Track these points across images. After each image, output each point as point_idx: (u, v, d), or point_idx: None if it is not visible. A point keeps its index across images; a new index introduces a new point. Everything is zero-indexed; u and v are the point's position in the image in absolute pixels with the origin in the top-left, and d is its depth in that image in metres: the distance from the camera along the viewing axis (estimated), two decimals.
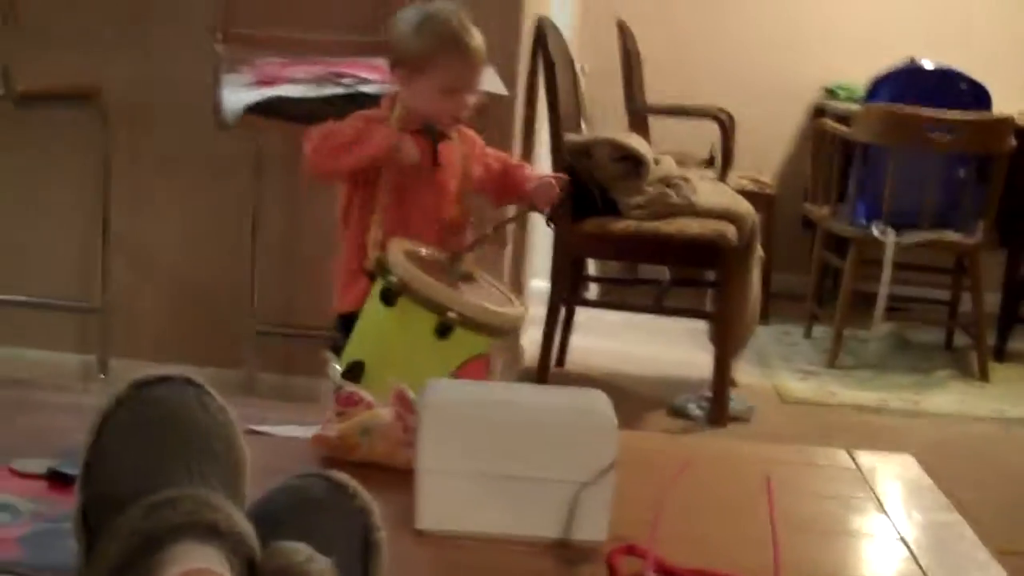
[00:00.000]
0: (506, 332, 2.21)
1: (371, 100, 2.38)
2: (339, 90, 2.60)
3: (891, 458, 1.43)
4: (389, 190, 2.28)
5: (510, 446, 1.02)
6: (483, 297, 2.20)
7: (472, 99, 2.31)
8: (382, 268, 2.13)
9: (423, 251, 2.23)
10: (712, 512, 1.19)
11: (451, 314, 2.07)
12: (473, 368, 2.12)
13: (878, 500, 1.26)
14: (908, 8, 5.19)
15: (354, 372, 2.15)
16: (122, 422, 0.74)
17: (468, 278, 2.25)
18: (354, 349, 2.17)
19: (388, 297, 2.12)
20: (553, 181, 2.36)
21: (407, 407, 1.13)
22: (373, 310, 2.15)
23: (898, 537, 1.16)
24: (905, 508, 1.26)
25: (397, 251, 2.14)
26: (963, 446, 3.50)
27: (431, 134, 2.31)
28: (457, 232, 2.32)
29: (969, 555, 1.14)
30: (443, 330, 2.08)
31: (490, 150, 2.42)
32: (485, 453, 1.02)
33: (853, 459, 1.39)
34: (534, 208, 2.37)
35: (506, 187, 2.39)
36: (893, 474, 1.37)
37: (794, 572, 1.02)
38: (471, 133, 2.40)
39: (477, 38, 2.30)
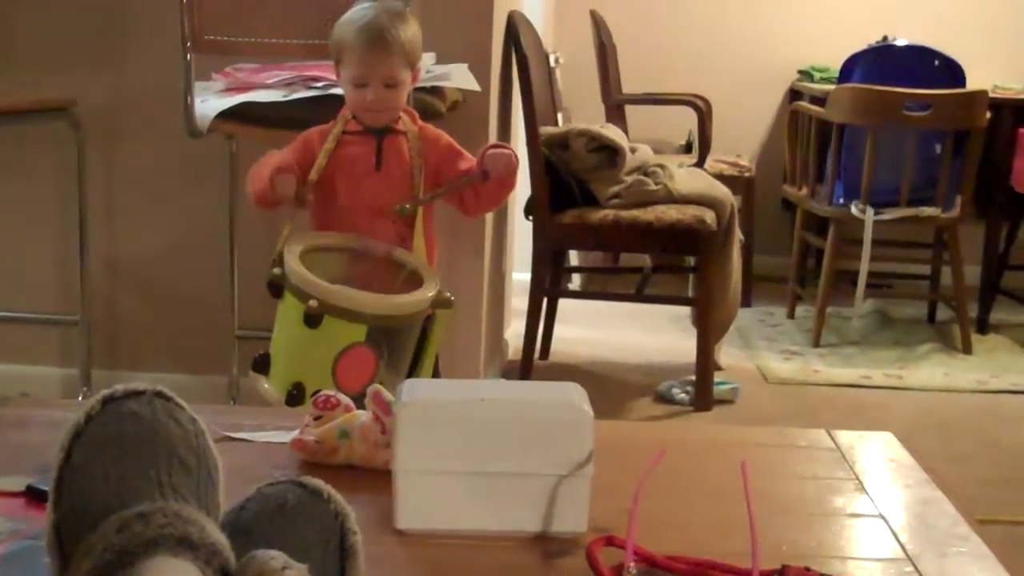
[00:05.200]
0: (383, 320, 2.13)
1: (343, 102, 2.38)
2: (311, 93, 2.60)
3: (871, 436, 1.44)
4: (325, 190, 2.31)
5: (486, 443, 1.03)
6: (390, 288, 2.18)
7: (388, 93, 2.27)
8: (276, 261, 2.17)
9: (359, 245, 2.25)
10: (692, 498, 1.20)
11: (312, 302, 2.07)
12: (352, 358, 2.10)
13: (858, 479, 1.27)
14: None
15: (261, 364, 2.18)
16: (93, 438, 0.75)
17: (395, 269, 2.25)
18: (271, 343, 2.22)
19: (274, 289, 2.15)
20: (508, 154, 2.29)
21: (384, 408, 1.14)
22: (278, 305, 2.18)
23: (878, 515, 1.17)
24: (885, 486, 1.27)
25: (293, 244, 2.17)
26: (947, 419, 3.52)
27: (374, 132, 2.32)
28: (410, 225, 2.31)
29: (950, 530, 1.15)
30: (309, 319, 2.08)
31: (465, 154, 2.38)
32: (462, 451, 1.03)
33: (833, 439, 1.40)
34: (486, 176, 2.27)
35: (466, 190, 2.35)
36: (873, 452, 1.38)
37: (774, 554, 1.03)
38: (434, 132, 2.39)
39: (391, 31, 2.26)
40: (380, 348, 2.12)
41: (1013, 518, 2.75)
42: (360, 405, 1.20)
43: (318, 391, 1.25)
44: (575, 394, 1.07)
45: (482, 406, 1.03)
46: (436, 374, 2.35)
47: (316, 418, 1.17)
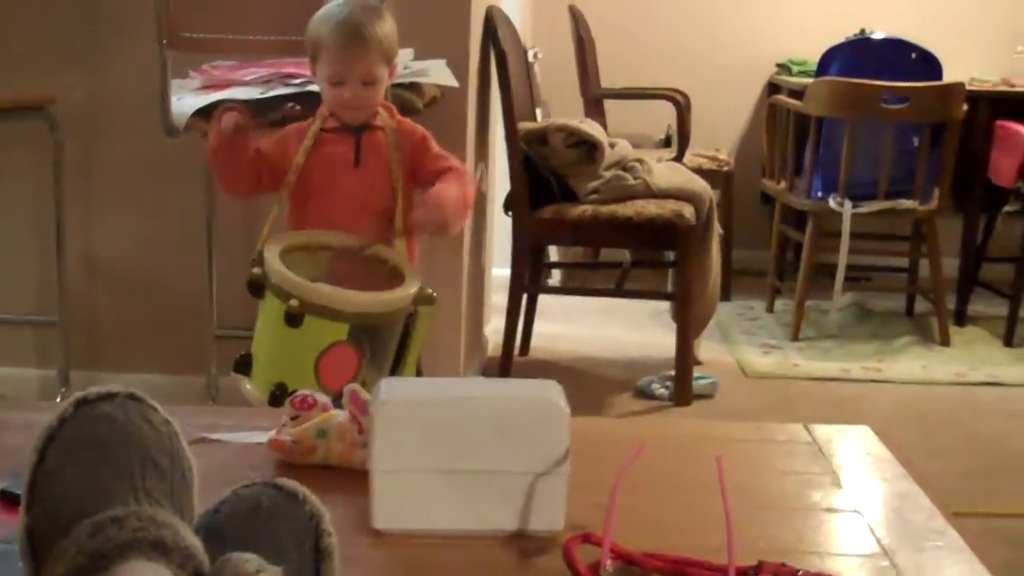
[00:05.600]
0: (365, 319, 2.12)
1: (319, 99, 2.38)
2: (288, 90, 2.60)
3: (848, 430, 1.44)
4: (304, 187, 2.30)
5: (463, 441, 1.03)
6: (372, 286, 2.17)
7: (365, 90, 2.26)
8: (256, 260, 2.16)
9: (340, 242, 2.24)
10: (670, 494, 1.20)
11: (292, 301, 2.06)
12: (334, 357, 2.10)
13: (835, 473, 1.28)
14: None
15: (243, 364, 2.17)
16: (65, 441, 0.74)
17: (376, 266, 2.25)
18: (253, 343, 2.21)
19: (254, 289, 2.15)
20: (442, 214, 2.24)
21: (361, 408, 1.13)
22: (259, 305, 2.18)
23: (854, 510, 1.18)
24: (862, 480, 1.27)
25: (273, 243, 2.16)
26: (925, 412, 3.54)
27: (352, 129, 2.32)
28: (391, 220, 2.30)
29: (926, 524, 1.15)
30: (290, 318, 2.07)
31: (438, 152, 2.37)
32: (439, 450, 1.03)
33: (810, 433, 1.41)
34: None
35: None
36: (850, 446, 1.39)
37: (751, 549, 1.03)
38: (411, 126, 2.38)
39: (367, 28, 2.25)
40: (362, 346, 2.12)
41: (990, 510, 2.76)
42: (342, 404, 1.20)
43: (299, 391, 1.24)
44: (552, 391, 1.07)
45: (459, 405, 1.03)
46: (419, 372, 2.34)
47: (293, 418, 1.17)
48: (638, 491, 1.12)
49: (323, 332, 2.09)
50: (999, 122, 4.36)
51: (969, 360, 4.03)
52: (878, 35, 4.55)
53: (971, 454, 3.22)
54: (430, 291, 2.22)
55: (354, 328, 2.10)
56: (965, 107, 4.08)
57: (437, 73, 2.83)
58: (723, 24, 5.25)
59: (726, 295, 4.40)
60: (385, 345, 2.18)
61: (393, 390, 1.05)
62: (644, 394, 3.53)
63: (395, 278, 2.22)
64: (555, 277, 4.60)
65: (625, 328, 4.23)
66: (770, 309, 4.58)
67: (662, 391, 3.51)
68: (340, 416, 1.16)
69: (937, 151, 4.11)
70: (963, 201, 4.53)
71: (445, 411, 1.03)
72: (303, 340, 2.09)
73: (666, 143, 4.87)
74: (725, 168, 4.58)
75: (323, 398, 1.19)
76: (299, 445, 1.14)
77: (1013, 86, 4.79)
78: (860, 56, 4.35)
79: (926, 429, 3.38)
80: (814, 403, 3.55)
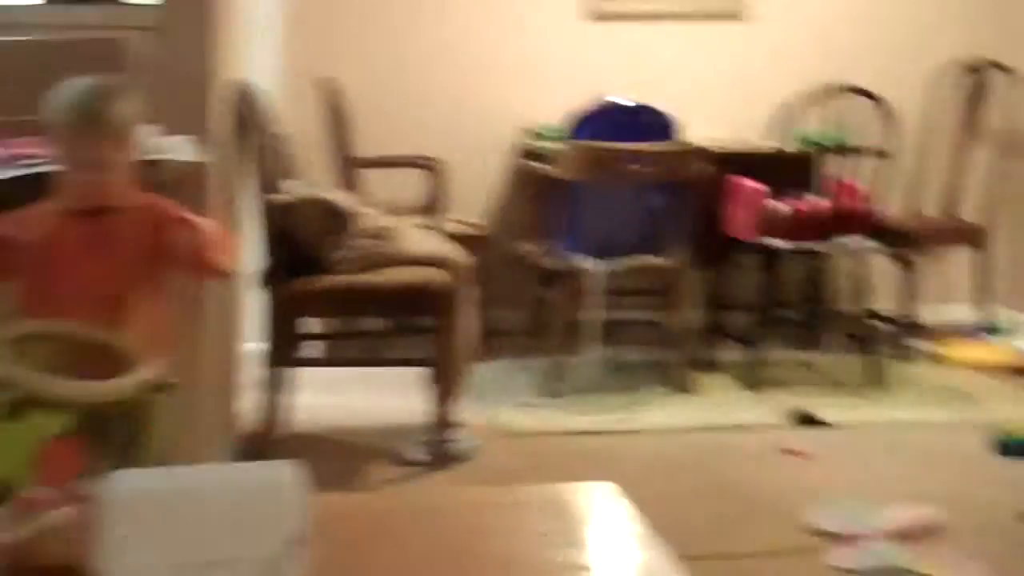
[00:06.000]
0: (92, 408, 1.98)
1: (51, 180, 2.30)
2: (18, 172, 2.51)
3: (593, 487, 1.49)
4: (39, 274, 2.23)
5: (195, 532, 1.02)
6: (109, 375, 2.10)
7: (101, 174, 2.21)
8: None
9: (73, 331, 2.16)
10: (419, 565, 1.21)
11: (10, 391, 1.95)
12: (58, 450, 2.00)
13: (579, 531, 1.32)
14: (599, 50, 5.41)
15: None
16: None
17: (114, 355, 2.17)
18: None
19: None
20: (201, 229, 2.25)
21: (88, 504, 1.10)
22: None
23: (596, 567, 1.22)
24: (605, 536, 1.32)
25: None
26: (675, 458, 3.67)
27: (91, 213, 2.25)
28: (129, 307, 2.24)
29: (665, 574, 1.20)
30: (9, 410, 1.91)
31: (185, 216, 2.33)
32: (171, 543, 1.01)
33: (557, 493, 1.45)
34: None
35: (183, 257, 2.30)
36: (595, 503, 1.43)
37: None
38: (152, 202, 2.32)
39: (102, 111, 2.20)
40: (91, 438, 2.01)
41: (733, 551, 2.89)
42: (67, 501, 1.16)
43: (22, 489, 1.20)
44: (286, 473, 1.07)
45: (188, 495, 1.02)
46: (160, 461, 2.25)
47: (17, 518, 1.13)
48: (386, 565, 1.13)
49: (45, 424, 1.98)
50: (733, 178, 4.60)
51: (716, 406, 4.21)
52: (621, 101, 4.73)
53: (717, 497, 3.35)
54: (167, 377, 2.14)
55: (81, 418, 2.00)
56: (703, 166, 4.29)
57: (181, 150, 2.80)
58: (473, 93, 5.36)
59: (482, 356, 4.45)
60: (117, 436, 2.09)
61: (120, 484, 1.03)
62: (404, 460, 3.54)
63: (131, 366, 2.14)
64: (310, 349, 4.55)
65: (384, 395, 4.21)
66: (526, 368, 4.65)
67: (422, 456, 3.52)
68: (65, 514, 1.12)
69: (681, 209, 4.30)
70: (707, 255, 4.74)
71: (174, 503, 1.01)
72: (23, 434, 1.98)
73: (422, 210, 4.92)
74: (480, 232, 4.66)
75: (48, 496, 1.15)
76: (22, 547, 1.10)
77: (744, 146, 5.06)
78: (605, 122, 4.51)
79: (675, 476, 3.50)
80: (571, 458, 3.63)
